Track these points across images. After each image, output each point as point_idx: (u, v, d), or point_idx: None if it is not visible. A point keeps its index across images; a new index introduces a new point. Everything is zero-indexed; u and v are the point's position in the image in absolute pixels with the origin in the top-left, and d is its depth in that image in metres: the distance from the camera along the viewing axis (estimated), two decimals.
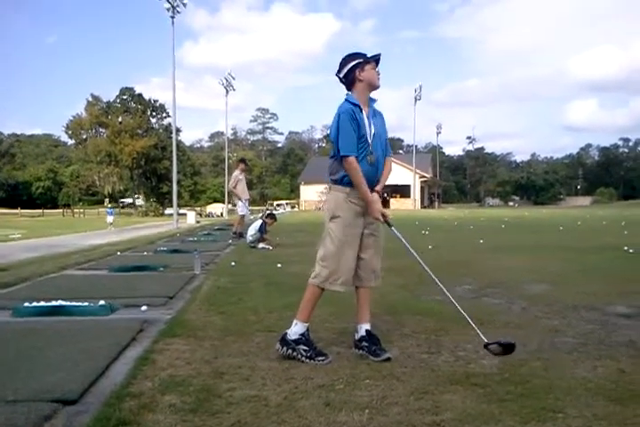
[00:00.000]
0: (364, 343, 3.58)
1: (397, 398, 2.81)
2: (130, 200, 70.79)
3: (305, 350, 3.47)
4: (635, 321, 4.55)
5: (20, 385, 2.95)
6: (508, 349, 3.18)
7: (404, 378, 3.13)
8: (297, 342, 3.51)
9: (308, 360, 3.43)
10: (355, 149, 3.47)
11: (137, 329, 4.29)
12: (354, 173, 3.45)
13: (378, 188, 3.59)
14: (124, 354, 3.67)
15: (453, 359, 3.51)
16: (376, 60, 3.60)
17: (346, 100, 3.58)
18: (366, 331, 3.64)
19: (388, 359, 3.45)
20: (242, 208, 14.18)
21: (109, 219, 28.73)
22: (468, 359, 3.51)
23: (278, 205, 64.70)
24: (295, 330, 3.56)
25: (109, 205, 34.43)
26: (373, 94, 3.70)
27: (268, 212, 13.33)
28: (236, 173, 13.76)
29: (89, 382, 3.02)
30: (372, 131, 3.55)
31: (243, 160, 15.12)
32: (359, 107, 3.53)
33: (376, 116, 3.66)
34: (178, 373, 3.24)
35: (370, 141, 3.52)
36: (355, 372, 3.25)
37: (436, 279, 3.59)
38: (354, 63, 3.56)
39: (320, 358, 3.44)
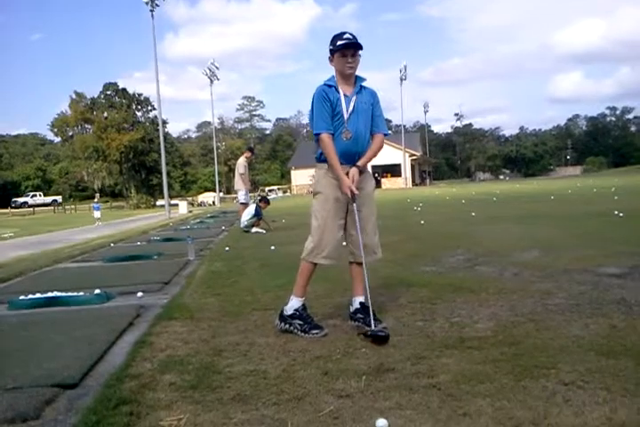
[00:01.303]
0: (359, 315, 3.63)
1: (394, 365, 2.85)
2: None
3: (300, 324, 3.54)
4: (626, 280, 4.61)
5: (19, 373, 2.98)
6: (377, 339, 3.22)
7: (400, 345, 3.17)
8: (292, 316, 3.58)
9: (303, 334, 3.49)
10: (326, 127, 3.55)
11: (134, 315, 4.32)
12: (326, 150, 3.55)
13: (360, 162, 3.60)
14: (122, 339, 3.70)
15: (448, 325, 3.56)
16: (341, 48, 3.53)
17: (324, 82, 3.66)
18: (360, 303, 3.69)
19: (385, 329, 3.46)
20: (244, 197, 13.78)
21: (96, 214, 28.26)
22: (463, 325, 3.55)
23: (270, 190, 64.56)
24: (290, 305, 3.63)
25: (96, 200, 33.91)
26: (363, 74, 3.71)
27: (260, 196, 13.28)
28: (242, 160, 13.28)
29: (88, 367, 3.05)
30: (350, 108, 3.58)
31: (250, 149, 14.55)
32: (334, 87, 3.60)
33: (362, 93, 3.67)
34: (176, 353, 3.27)
35: (345, 118, 3.57)
36: (351, 343, 3.29)
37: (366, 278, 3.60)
38: (329, 49, 3.62)
39: (315, 332, 3.50)
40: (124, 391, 2.64)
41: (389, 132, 3.87)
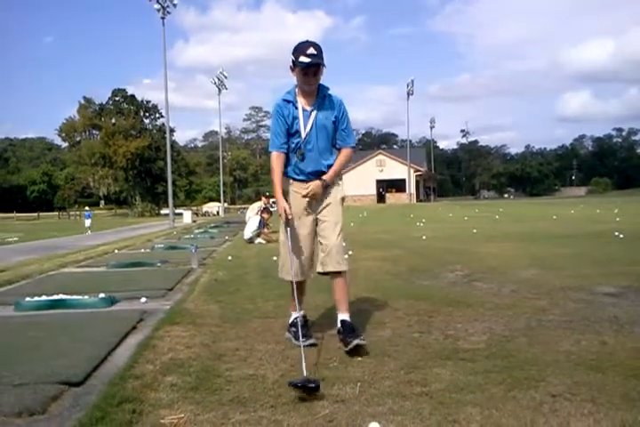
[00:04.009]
0: (339, 335, 3.48)
1: (388, 373, 2.94)
2: None
3: (294, 332, 3.52)
4: (620, 299, 4.70)
5: (26, 370, 3.08)
6: (305, 390, 2.64)
7: (395, 355, 3.26)
8: (291, 324, 3.71)
9: (295, 341, 3.44)
10: (277, 145, 3.54)
11: (137, 319, 4.42)
12: (272, 168, 3.56)
13: (326, 176, 3.56)
14: (126, 341, 3.81)
15: (443, 338, 3.64)
16: (303, 66, 3.37)
17: (283, 96, 3.58)
18: (341, 321, 3.52)
19: (356, 347, 3.22)
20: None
21: (87, 222, 26.48)
22: (458, 337, 3.64)
23: (274, 202, 64.73)
24: (291, 316, 3.76)
25: (87, 208, 32.61)
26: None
27: (263, 207, 13.43)
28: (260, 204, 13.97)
29: (92, 367, 3.15)
30: (309, 125, 3.52)
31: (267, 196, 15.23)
32: (292, 102, 3.54)
33: (324, 106, 3.56)
34: (178, 356, 3.37)
35: (303, 136, 3.52)
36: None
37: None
38: (291, 59, 3.45)
39: (303, 340, 3.22)
40: (127, 390, 2.74)
41: (355, 145, 3.82)
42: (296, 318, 3.57)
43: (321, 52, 3.40)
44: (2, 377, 2.96)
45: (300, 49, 3.39)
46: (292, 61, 3.42)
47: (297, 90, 3.57)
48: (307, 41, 3.44)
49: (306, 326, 3.64)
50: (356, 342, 3.23)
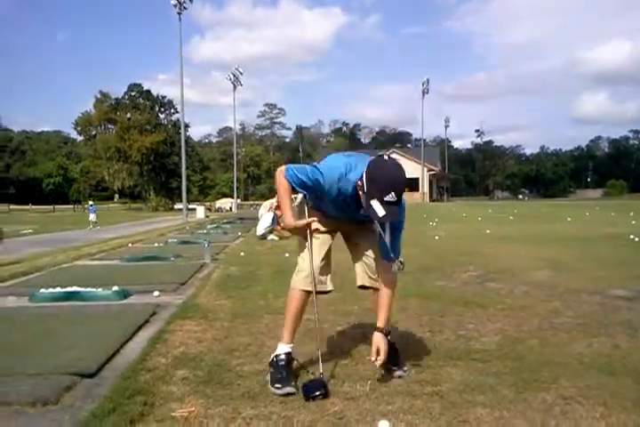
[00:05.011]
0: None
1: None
2: None
3: (271, 373, 2.83)
4: (634, 303, 4.66)
5: (39, 361, 3.12)
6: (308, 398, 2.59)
7: (406, 354, 3.25)
8: (270, 362, 2.92)
9: (272, 387, 2.72)
10: (302, 188, 2.93)
11: (150, 312, 4.46)
12: (281, 195, 3.01)
13: (382, 323, 2.90)
14: (138, 334, 3.84)
15: (454, 338, 3.64)
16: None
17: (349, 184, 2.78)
18: None
19: (399, 378, 2.88)
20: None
21: (91, 217, 24.41)
22: (469, 338, 3.63)
23: None
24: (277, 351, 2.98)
25: (91, 202, 31.54)
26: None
27: (276, 204, 13.44)
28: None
29: (105, 359, 3.19)
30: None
31: None
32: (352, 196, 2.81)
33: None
34: (190, 350, 3.40)
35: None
36: (359, 349, 3.39)
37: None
38: (363, 177, 2.64)
39: (277, 386, 2.70)
40: (139, 383, 2.77)
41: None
42: (279, 356, 2.89)
43: (402, 192, 2.65)
44: (16, 367, 3.01)
45: (377, 181, 2.57)
46: (362, 187, 2.63)
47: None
48: (390, 172, 2.62)
49: (288, 367, 2.86)
50: (399, 373, 2.91)
